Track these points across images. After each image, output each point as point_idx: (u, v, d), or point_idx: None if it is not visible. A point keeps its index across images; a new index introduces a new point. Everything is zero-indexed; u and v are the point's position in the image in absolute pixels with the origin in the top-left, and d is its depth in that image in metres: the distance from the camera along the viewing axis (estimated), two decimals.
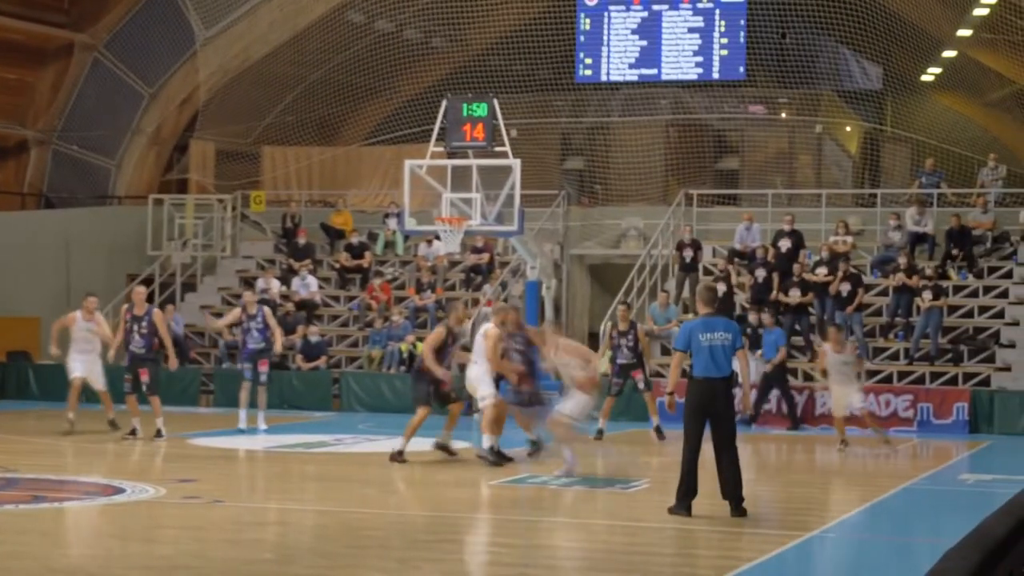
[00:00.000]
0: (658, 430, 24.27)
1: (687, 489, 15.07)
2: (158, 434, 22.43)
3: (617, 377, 24.27)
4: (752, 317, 28.53)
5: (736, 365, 15.48)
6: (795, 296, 29.48)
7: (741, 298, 30.50)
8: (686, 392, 15.31)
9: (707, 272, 31.66)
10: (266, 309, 24.81)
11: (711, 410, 15.00)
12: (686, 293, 31.25)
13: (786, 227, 31.28)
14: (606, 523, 15.05)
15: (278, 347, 24.75)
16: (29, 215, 38.91)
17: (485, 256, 32.96)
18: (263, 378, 24.50)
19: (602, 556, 12.94)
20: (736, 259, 31.82)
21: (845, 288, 29.17)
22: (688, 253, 31.55)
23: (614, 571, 12.36)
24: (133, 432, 22.63)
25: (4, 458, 19.52)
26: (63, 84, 40.42)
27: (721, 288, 29.94)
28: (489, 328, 20.02)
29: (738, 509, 15.02)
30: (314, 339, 31.09)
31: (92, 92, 40.17)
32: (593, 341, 31.91)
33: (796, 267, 29.95)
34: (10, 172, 41.25)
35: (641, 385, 24.28)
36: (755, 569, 12.31)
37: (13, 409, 29.21)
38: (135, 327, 22.82)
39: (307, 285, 33.05)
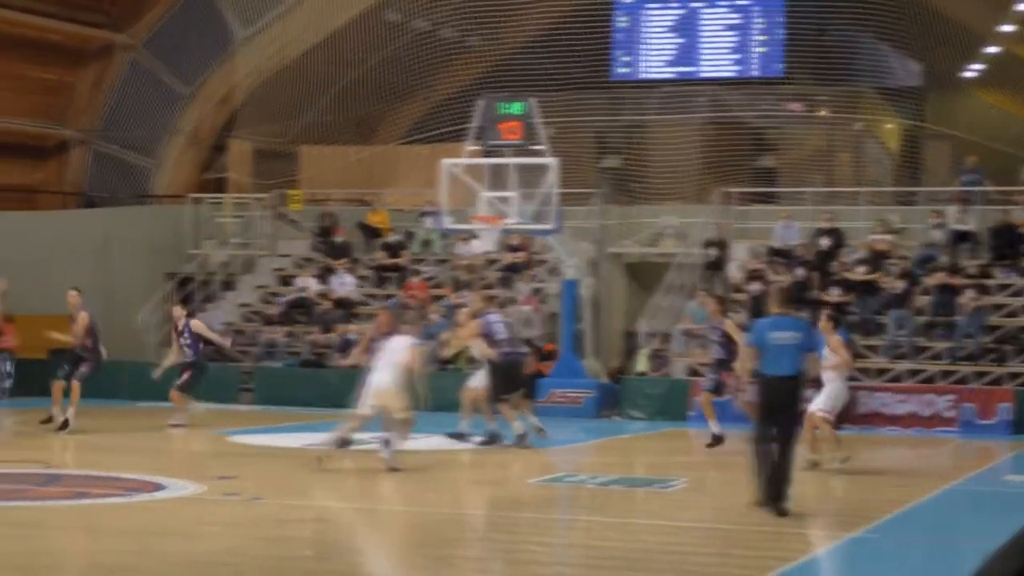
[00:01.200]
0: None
1: (768, 483, 15.11)
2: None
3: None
4: None
5: (808, 365, 15.52)
6: (835, 294, 29.38)
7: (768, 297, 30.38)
8: (756, 390, 15.45)
9: (738, 271, 31.57)
10: (194, 322, 25.20)
11: (778, 408, 15.09)
12: (719, 291, 31.16)
13: (825, 225, 31.18)
14: (644, 522, 15.02)
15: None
16: (70, 214, 39.12)
17: (522, 255, 32.95)
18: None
19: (639, 556, 12.92)
20: (775, 257, 31.72)
21: (898, 286, 29.01)
22: (714, 252, 31.48)
23: (651, 571, 12.34)
24: (180, 426, 23.59)
25: (47, 455, 19.62)
26: (102, 84, 40.62)
27: (755, 287, 29.89)
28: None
29: (781, 508, 14.99)
30: (352, 337, 31.12)
31: (131, 92, 40.36)
32: (628, 340, 31.91)
33: (835, 265, 29.83)
34: (51, 172, 41.48)
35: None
36: (795, 570, 12.26)
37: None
38: (180, 339, 24.49)
39: (344, 284, 33.10)
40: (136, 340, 31.97)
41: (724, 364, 21.71)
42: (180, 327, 24.70)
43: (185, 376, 24.19)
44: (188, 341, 24.41)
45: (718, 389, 21.96)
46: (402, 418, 18.95)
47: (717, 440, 21.49)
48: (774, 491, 15.05)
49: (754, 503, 15.13)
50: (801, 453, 19.01)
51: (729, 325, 21.74)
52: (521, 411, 21.95)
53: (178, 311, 25.28)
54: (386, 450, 18.54)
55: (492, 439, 21.53)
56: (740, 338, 21.42)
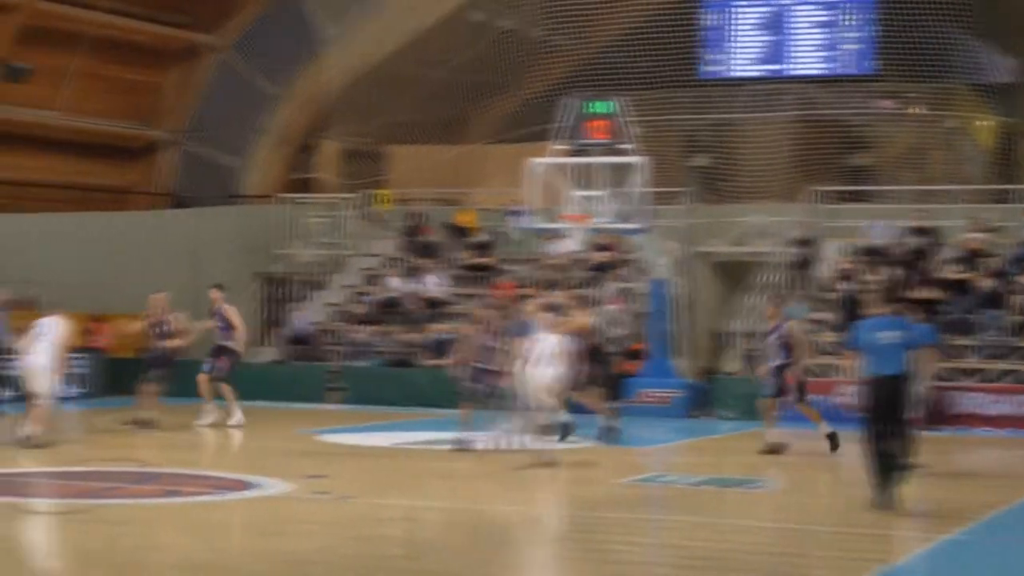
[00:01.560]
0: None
1: (879, 486, 15.18)
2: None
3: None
4: None
5: (911, 363, 15.49)
6: (927, 293, 29.04)
7: (871, 296, 30.11)
8: (861, 391, 15.53)
9: (827, 270, 31.34)
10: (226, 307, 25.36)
11: (884, 407, 15.15)
12: (804, 290, 30.98)
13: (917, 224, 30.86)
14: (734, 523, 14.91)
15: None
16: (159, 215, 39.43)
17: (610, 254, 32.84)
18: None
19: (729, 556, 12.81)
20: (865, 256, 31.44)
21: (992, 285, 28.67)
22: (801, 251, 31.24)
23: (740, 571, 12.24)
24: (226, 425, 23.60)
25: (139, 453, 19.76)
26: (190, 85, 40.93)
27: (846, 286, 29.63)
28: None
29: (885, 501, 15.02)
30: (440, 337, 31.16)
31: (220, 93, 40.65)
32: (717, 339, 31.73)
33: (928, 264, 29.51)
34: (140, 172, 41.85)
35: None
36: (888, 573, 12.13)
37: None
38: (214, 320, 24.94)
39: (432, 283, 33.13)
40: None
41: (785, 368, 21.38)
42: (214, 309, 24.99)
43: (220, 364, 24.52)
44: (221, 324, 24.76)
45: (780, 393, 21.50)
46: (551, 413, 19.61)
47: (774, 449, 21.18)
48: (881, 481, 15.14)
49: (871, 504, 15.15)
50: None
51: (790, 328, 21.49)
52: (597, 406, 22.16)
53: (215, 293, 25.39)
54: (539, 445, 18.94)
55: (565, 430, 21.50)
56: (799, 342, 21.23)
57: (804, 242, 31.35)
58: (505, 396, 20.70)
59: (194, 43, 40.74)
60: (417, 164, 38.26)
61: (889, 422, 15.12)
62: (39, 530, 13.59)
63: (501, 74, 37.41)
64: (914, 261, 30.07)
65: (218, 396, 24.52)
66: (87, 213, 38.10)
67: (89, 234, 36.22)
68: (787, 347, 21.35)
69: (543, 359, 19.38)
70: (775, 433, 21.18)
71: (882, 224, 31.56)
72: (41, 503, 15.12)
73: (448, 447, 20.97)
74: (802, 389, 21.55)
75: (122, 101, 40.70)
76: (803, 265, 31.27)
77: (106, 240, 36.18)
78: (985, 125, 38.19)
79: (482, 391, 20.85)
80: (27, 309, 27.95)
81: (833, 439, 21.22)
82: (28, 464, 18.79)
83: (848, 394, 26.21)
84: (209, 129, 40.62)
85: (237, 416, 24.23)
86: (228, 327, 24.77)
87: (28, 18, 36.37)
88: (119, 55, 39.98)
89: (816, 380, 28.41)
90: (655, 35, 35.59)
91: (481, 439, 20.79)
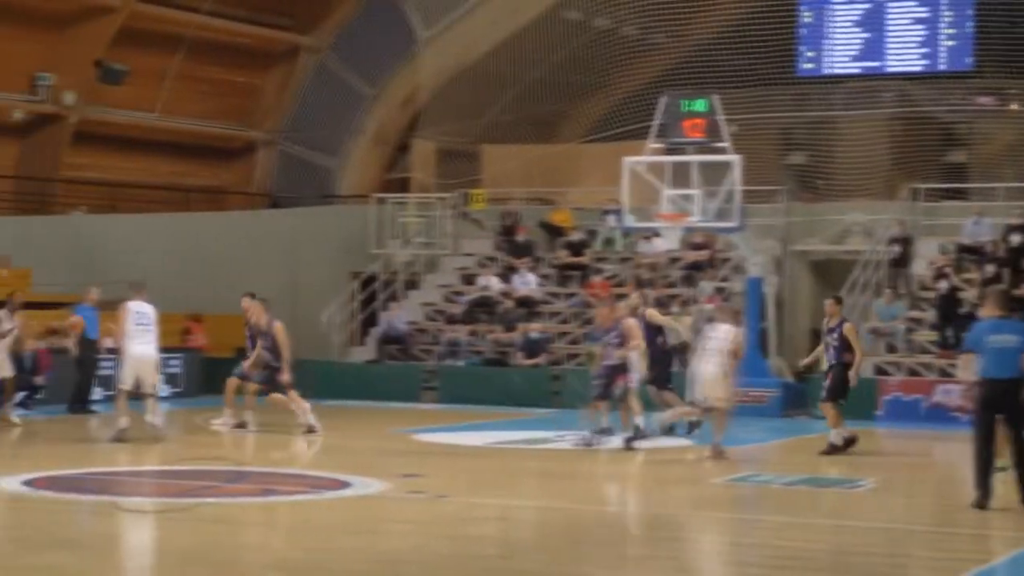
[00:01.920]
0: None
1: (983, 487, 15.20)
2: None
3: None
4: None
5: None
6: None
7: (969, 294, 29.82)
8: (976, 393, 15.51)
9: (926, 268, 31.05)
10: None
11: (998, 410, 15.18)
12: (901, 289, 30.73)
13: (1017, 221, 30.49)
14: (830, 523, 14.81)
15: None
16: (257, 215, 39.74)
17: (705, 253, 32.73)
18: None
19: (824, 556, 12.73)
20: (965, 254, 31.13)
21: None
22: (899, 248, 30.96)
23: (837, 572, 12.16)
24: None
25: (235, 452, 19.91)
26: (288, 86, 41.23)
27: (943, 284, 29.35)
28: None
29: (988, 502, 15.08)
30: (534, 336, 31.19)
31: (317, 93, 40.92)
32: (814, 338, 31.49)
33: None
34: (238, 173, 42.20)
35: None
36: (984, 573, 11.99)
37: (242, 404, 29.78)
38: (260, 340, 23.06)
39: (527, 282, 33.15)
40: (321, 339, 32.35)
41: (838, 368, 21.00)
42: (260, 326, 23.30)
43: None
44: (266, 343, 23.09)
45: (836, 395, 21.11)
46: (723, 408, 19.74)
47: (836, 448, 20.86)
48: (988, 486, 15.17)
49: (973, 504, 15.12)
50: None
51: (848, 329, 21.04)
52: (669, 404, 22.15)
53: (247, 303, 23.78)
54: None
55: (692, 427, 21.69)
56: (857, 344, 20.92)
57: (901, 240, 31.07)
58: (625, 395, 20.95)
59: (292, 44, 41.02)
60: (512, 163, 38.29)
61: (1010, 424, 15.17)
62: (137, 529, 13.73)
63: (596, 73, 37.36)
64: (1014, 259, 29.71)
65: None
66: (184, 214, 38.47)
67: (186, 235, 36.56)
68: (842, 348, 20.98)
69: (710, 354, 19.58)
70: (838, 433, 20.91)
71: (981, 221, 31.22)
72: (139, 502, 15.27)
73: (576, 445, 21.00)
74: (838, 389, 20.90)
75: (219, 102, 41.07)
76: (900, 263, 30.99)
77: (203, 241, 36.50)
78: None
79: (612, 391, 20.96)
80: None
81: (850, 442, 20.86)
82: (126, 463, 19.00)
83: (951, 394, 26.03)
84: (306, 130, 40.88)
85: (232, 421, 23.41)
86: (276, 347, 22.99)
87: (127, 20, 36.76)
88: (217, 56, 40.34)
89: (913, 380, 28.25)
90: (752, 33, 35.41)
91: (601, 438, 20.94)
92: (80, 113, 37.07)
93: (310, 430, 22.58)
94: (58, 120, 37.07)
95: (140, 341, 20.95)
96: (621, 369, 20.98)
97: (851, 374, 20.79)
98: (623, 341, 21.04)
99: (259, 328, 23.18)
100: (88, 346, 26.39)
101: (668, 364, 23.27)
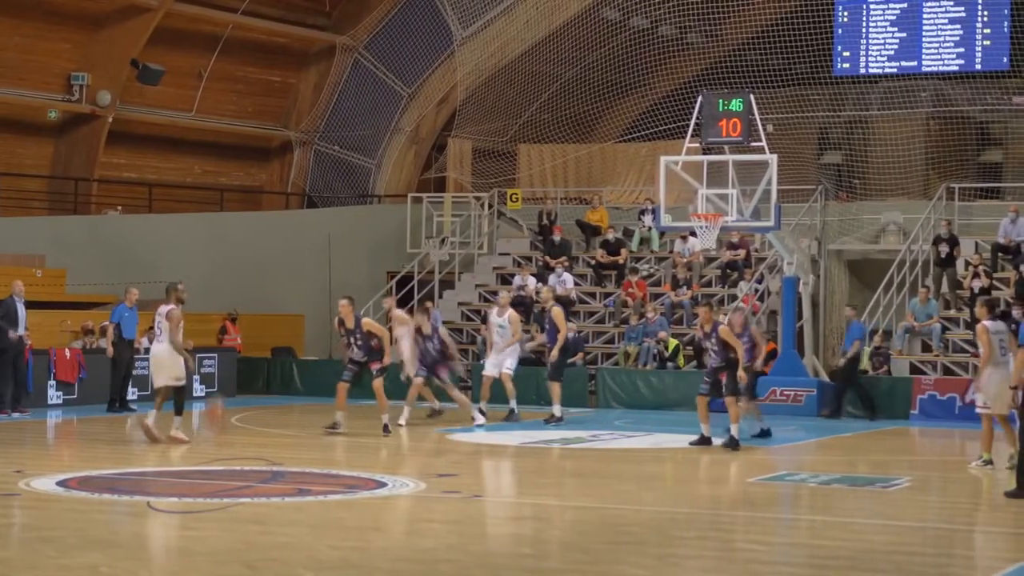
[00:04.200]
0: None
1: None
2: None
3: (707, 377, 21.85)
4: (1016, 312, 27.72)
5: None
6: None
7: (1005, 293, 29.71)
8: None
9: (965, 267, 30.95)
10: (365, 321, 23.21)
11: None
12: (944, 288, 30.61)
13: None
14: (866, 522, 14.77)
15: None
16: (292, 214, 39.82)
17: (741, 252, 32.69)
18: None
19: (862, 555, 12.68)
20: (1000, 253, 31.01)
21: None
22: (944, 248, 30.85)
23: (874, 571, 12.11)
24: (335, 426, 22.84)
25: (271, 452, 19.97)
26: (324, 85, 41.28)
27: (979, 283, 29.23)
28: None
29: None
30: (570, 335, 31.13)
31: (353, 93, 40.96)
32: None
33: None
34: (274, 172, 42.27)
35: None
36: (1018, 571, 11.94)
37: (278, 404, 29.90)
38: (351, 339, 22.76)
39: (563, 282, 33.15)
40: None
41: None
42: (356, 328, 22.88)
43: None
44: (360, 341, 22.71)
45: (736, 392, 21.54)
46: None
47: (735, 443, 20.99)
48: None
49: (1007, 493, 15.44)
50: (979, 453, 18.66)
51: (723, 331, 21.26)
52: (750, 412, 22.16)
53: (344, 305, 22.96)
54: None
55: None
56: (736, 342, 21.08)
57: (947, 240, 30.93)
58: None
59: (328, 43, 41.07)
60: (548, 163, 38.29)
61: None
62: (172, 528, 13.77)
63: (633, 72, 37.34)
64: None
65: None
66: (220, 214, 38.56)
67: (222, 234, 36.65)
68: (723, 350, 21.26)
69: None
70: (738, 427, 21.33)
71: (1017, 220, 31.10)
72: (174, 501, 15.32)
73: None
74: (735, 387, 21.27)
75: (255, 102, 41.15)
76: (946, 263, 30.83)
77: (238, 240, 36.59)
78: None
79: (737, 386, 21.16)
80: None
81: (764, 434, 22.22)
82: (159, 463, 19.06)
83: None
84: (341, 129, 40.93)
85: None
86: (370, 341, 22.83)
87: (163, 19, 36.86)
88: (252, 56, 40.42)
89: (947, 379, 28.16)
90: (788, 33, 35.35)
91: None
92: (115, 113, 37.18)
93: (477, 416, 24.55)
94: (93, 120, 37.17)
95: (156, 340, 21.31)
96: (726, 368, 21.02)
97: (740, 373, 21.11)
98: (725, 345, 21.07)
99: (349, 329, 22.71)
100: (124, 346, 26.56)
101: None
